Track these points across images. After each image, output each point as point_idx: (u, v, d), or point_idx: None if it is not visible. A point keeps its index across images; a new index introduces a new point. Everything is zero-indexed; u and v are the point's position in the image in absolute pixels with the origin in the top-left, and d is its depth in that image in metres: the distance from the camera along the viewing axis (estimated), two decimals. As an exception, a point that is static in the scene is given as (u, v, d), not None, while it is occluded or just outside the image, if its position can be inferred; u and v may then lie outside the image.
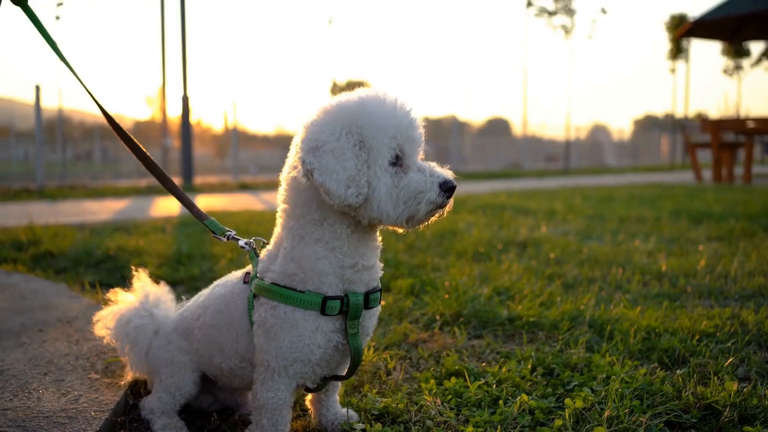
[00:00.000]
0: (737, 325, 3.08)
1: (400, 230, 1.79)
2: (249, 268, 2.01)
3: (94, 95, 2.32)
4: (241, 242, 2.07)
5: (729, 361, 2.57)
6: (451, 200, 1.74)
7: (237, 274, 2.06)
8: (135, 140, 2.24)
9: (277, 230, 1.90)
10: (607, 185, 14.97)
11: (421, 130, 1.78)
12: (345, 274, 1.81)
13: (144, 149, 2.25)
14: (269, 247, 1.95)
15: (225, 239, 2.14)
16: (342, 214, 1.76)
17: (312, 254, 1.78)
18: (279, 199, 1.87)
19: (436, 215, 1.75)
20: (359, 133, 1.68)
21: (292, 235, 1.81)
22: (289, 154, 1.82)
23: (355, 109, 1.71)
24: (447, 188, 1.70)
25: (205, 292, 2.17)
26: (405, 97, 1.77)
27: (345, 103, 1.75)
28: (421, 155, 1.79)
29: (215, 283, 2.15)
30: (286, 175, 1.83)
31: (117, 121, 2.26)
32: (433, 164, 1.77)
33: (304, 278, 1.79)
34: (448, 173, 1.74)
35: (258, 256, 1.98)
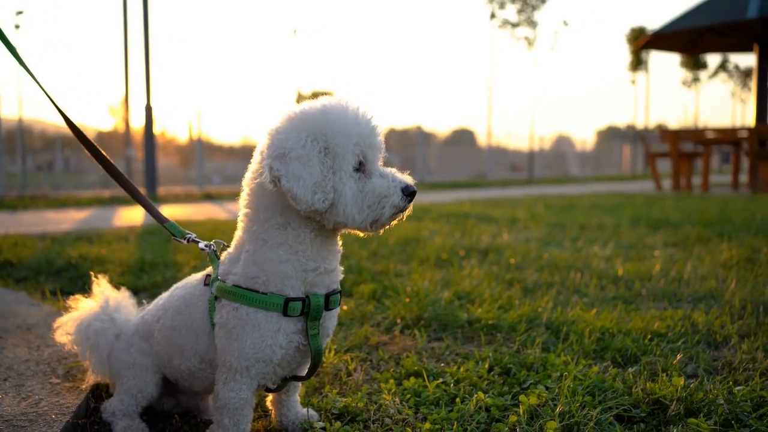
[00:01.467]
0: (688, 326, 3.19)
1: (362, 234, 1.85)
2: (209, 270, 2.04)
3: (51, 97, 2.33)
4: (201, 244, 2.10)
5: (678, 358, 2.67)
6: (411, 204, 1.82)
7: (197, 276, 2.09)
8: (94, 144, 2.25)
9: (239, 234, 1.93)
10: (569, 194, 15.21)
11: (382, 138, 1.86)
12: (307, 278, 1.85)
13: (102, 151, 2.26)
14: (230, 250, 1.98)
15: (185, 242, 2.17)
16: (306, 219, 1.80)
17: (275, 258, 1.83)
18: (241, 203, 1.90)
19: (398, 219, 1.82)
20: (324, 140, 1.74)
21: (255, 239, 1.85)
22: (252, 161, 1.86)
23: (319, 117, 1.77)
24: (408, 193, 1.79)
25: (165, 295, 2.19)
26: (366, 105, 1.84)
27: (309, 110, 1.80)
28: (381, 162, 1.85)
29: (175, 286, 2.17)
30: (249, 180, 1.87)
31: (75, 123, 2.27)
32: (393, 170, 1.85)
33: (266, 281, 1.83)
34: (408, 179, 1.83)
35: (219, 259, 2.01)
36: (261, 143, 1.83)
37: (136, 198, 2.29)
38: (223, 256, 1.99)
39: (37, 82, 2.30)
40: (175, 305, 2.07)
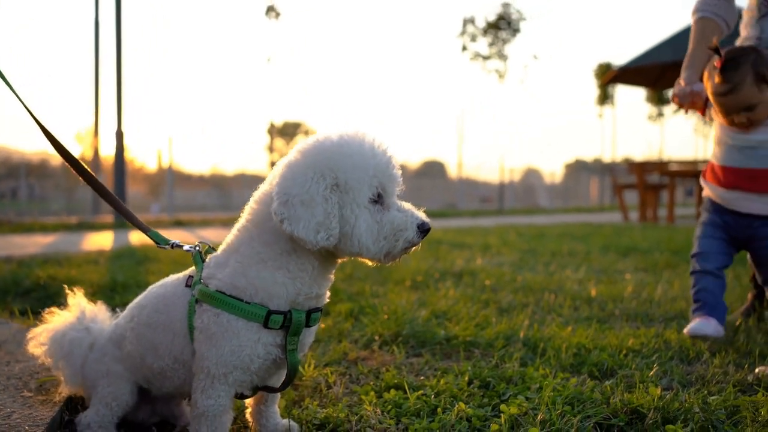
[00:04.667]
0: (661, 343, 3.24)
1: (372, 264, 1.87)
2: (191, 270, 2.03)
3: (26, 104, 2.31)
4: (186, 247, 2.09)
5: (653, 371, 2.71)
6: (421, 241, 1.84)
7: (178, 276, 2.08)
8: (72, 155, 2.24)
9: (232, 241, 1.93)
10: (539, 224, 15.37)
11: (399, 169, 1.87)
12: (297, 300, 1.86)
13: (84, 164, 2.25)
14: (217, 253, 1.98)
15: (169, 248, 2.17)
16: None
17: (269, 278, 1.83)
18: (244, 215, 1.91)
19: (407, 252, 1.85)
20: (334, 175, 1.75)
21: (253, 255, 1.85)
22: (268, 177, 1.88)
23: (333, 150, 1.79)
24: (423, 229, 1.82)
25: (140, 296, 2.17)
26: (381, 137, 1.86)
27: (323, 143, 1.81)
28: (398, 192, 1.87)
29: (151, 286, 2.16)
30: (257, 199, 1.89)
31: (50, 131, 2.25)
32: (410, 205, 1.87)
33: (253, 294, 1.84)
34: (423, 215, 1.86)
35: (203, 261, 2.00)
36: (276, 170, 1.85)
37: (115, 207, 2.28)
38: (208, 258, 1.99)
39: (12, 90, 2.28)
40: (153, 303, 2.06)
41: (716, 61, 3.09)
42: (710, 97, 3.23)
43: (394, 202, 1.84)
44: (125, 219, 2.28)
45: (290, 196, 1.73)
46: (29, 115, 2.30)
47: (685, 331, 3.20)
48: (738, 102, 3.09)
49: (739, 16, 3.65)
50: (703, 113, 3.50)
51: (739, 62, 3.05)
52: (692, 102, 3.48)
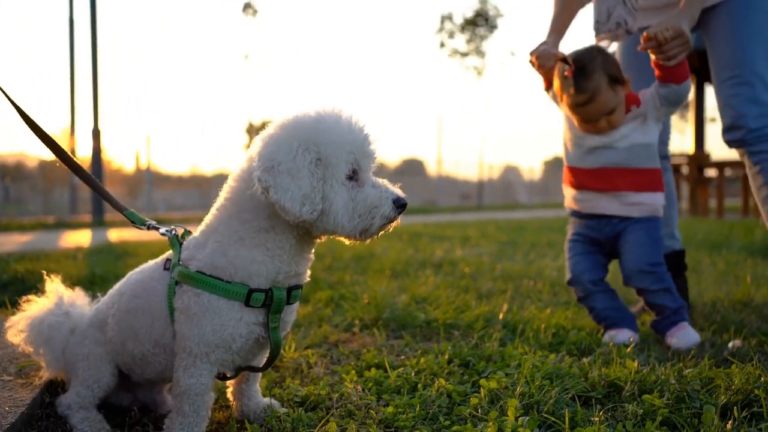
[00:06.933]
0: (639, 324, 3.28)
1: (349, 242, 1.86)
2: (168, 254, 2.03)
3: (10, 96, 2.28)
4: (162, 230, 2.09)
5: (630, 348, 2.75)
6: (399, 216, 1.84)
7: (156, 261, 2.08)
8: (46, 132, 2.21)
9: (210, 221, 1.93)
10: (519, 218, 15.48)
11: (375, 146, 1.86)
12: (276, 278, 1.87)
13: (56, 141, 2.22)
14: (195, 235, 1.98)
15: (146, 228, 2.17)
16: (291, 225, 1.80)
17: (248, 257, 1.83)
18: (222, 194, 1.91)
19: (386, 229, 1.84)
20: (316, 149, 1.74)
21: (231, 234, 1.85)
22: (246, 155, 1.87)
23: (313, 125, 1.78)
24: (400, 204, 1.81)
25: (120, 282, 2.17)
26: (358, 114, 1.85)
27: (302, 119, 1.81)
28: (372, 169, 1.87)
29: (130, 273, 2.16)
30: (235, 177, 1.88)
31: (23, 108, 2.22)
32: (385, 181, 1.86)
33: (233, 273, 1.84)
34: (399, 191, 1.84)
35: (180, 244, 2.01)
36: (253, 147, 1.84)
37: (91, 185, 2.26)
38: (186, 240, 1.99)
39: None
40: (131, 289, 2.06)
41: (567, 71, 2.98)
42: (568, 110, 3.09)
43: (369, 177, 1.83)
44: (101, 196, 2.27)
45: (275, 163, 1.71)
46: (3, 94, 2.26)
47: (608, 342, 2.94)
48: (599, 109, 2.97)
49: None
50: (549, 86, 3.30)
51: (590, 69, 2.93)
52: (549, 68, 3.21)
